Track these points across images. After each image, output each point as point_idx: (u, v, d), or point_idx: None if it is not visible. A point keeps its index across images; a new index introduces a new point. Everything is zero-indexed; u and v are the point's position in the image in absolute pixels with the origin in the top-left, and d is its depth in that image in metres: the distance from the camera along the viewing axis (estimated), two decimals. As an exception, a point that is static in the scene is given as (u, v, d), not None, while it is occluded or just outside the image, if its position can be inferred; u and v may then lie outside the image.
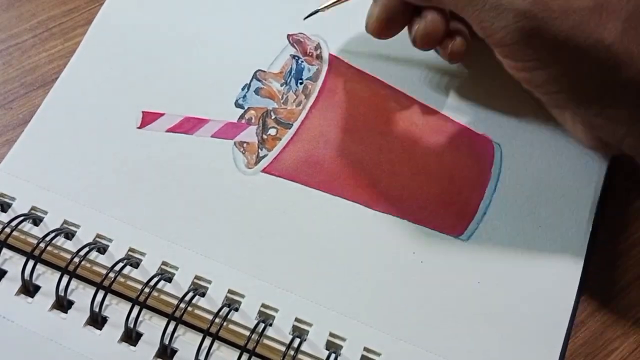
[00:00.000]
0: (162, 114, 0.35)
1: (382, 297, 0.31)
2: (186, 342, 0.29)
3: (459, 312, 0.30)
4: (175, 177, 0.33)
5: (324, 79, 0.35)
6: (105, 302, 0.30)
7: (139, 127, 0.35)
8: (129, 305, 0.29)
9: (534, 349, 0.29)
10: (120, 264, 0.30)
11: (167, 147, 0.34)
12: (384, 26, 0.31)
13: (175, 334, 0.29)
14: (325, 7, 0.34)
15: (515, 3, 0.25)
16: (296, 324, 0.30)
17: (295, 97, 0.35)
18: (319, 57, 0.36)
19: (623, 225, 0.33)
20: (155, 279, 0.30)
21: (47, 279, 0.31)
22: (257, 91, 0.36)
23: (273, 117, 0.35)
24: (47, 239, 0.31)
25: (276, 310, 0.30)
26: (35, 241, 0.30)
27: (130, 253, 0.31)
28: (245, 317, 0.30)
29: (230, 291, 0.30)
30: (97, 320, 0.30)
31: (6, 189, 0.33)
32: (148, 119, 0.35)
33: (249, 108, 0.35)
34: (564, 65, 0.27)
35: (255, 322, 0.29)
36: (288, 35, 0.37)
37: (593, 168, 0.33)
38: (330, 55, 0.36)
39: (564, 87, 0.28)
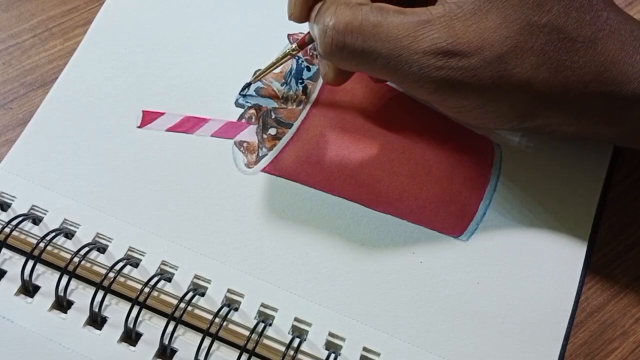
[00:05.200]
0: (162, 113, 0.35)
1: (381, 297, 0.31)
2: (186, 342, 0.29)
3: (458, 312, 0.30)
4: (175, 176, 0.33)
5: (324, 79, 0.35)
6: (105, 302, 0.30)
7: (139, 127, 0.35)
8: (129, 305, 0.29)
9: (534, 349, 0.29)
10: (120, 264, 0.30)
11: (167, 147, 0.34)
12: (340, 80, 0.32)
13: (175, 334, 0.29)
14: (257, 78, 0.35)
15: (432, 75, 0.27)
16: (296, 323, 0.30)
17: (295, 96, 0.35)
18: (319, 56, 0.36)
19: (623, 225, 0.33)
20: (155, 279, 0.30)
21: (46, 279, 0.31)
22: (257, 91, 0.36)
23: (273, 116, 0.35)
24: (47, 238, 0.31)
25: (276, 310, 0.30)
26: (35, 241, 0.30)
27: (130, 252, 0.31)
28: (245, 317, 0.30)
29: (229, 291, 0.30)
30: (96, 320, 0.30)
31: (6, 188, 0.33)
32: (148, 118, 0.35)
33: (249, 107, 0.35)
34: (486, 106, 0.28)
35: (255, 322, 0.29)
36: (288, 35, 0.37)
37: (593, 168, 0.33)
38: (330, 54, 0.36)
39: (487, 119, 0.29)
